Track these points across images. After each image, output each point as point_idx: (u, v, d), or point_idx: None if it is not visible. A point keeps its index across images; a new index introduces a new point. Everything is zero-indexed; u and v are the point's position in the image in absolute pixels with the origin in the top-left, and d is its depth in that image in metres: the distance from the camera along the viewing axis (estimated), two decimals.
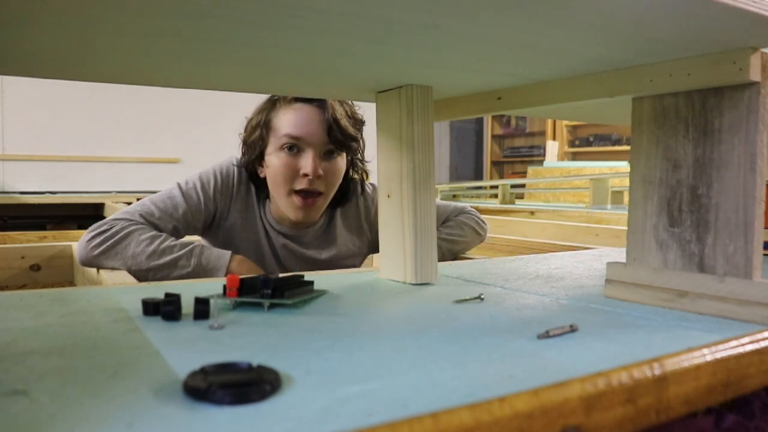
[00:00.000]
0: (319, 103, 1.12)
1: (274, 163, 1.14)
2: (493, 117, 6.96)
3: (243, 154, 1.21)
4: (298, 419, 0.33)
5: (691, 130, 0.64)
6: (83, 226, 1.15)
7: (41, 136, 4.19)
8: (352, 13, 0.49)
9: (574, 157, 6.14)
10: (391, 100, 0.81)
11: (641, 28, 0.53)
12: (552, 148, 5.49)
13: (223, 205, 1.18)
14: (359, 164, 1.25)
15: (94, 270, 1.08)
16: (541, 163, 5.17)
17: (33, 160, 4.17)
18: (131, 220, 1.08)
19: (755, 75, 0.57)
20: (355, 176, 1.27)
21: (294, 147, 1.12)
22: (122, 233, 1.05)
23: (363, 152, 1.24)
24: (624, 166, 3.60)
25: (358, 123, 1.19)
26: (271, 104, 1.16)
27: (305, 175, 1.12)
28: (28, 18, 0.49)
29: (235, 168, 1.20)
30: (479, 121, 7.22)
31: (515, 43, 0.58)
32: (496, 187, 3.59)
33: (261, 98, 1.18)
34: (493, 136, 7.11)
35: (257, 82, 0.81)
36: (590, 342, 0.50)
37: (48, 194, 3.68)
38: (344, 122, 1.13)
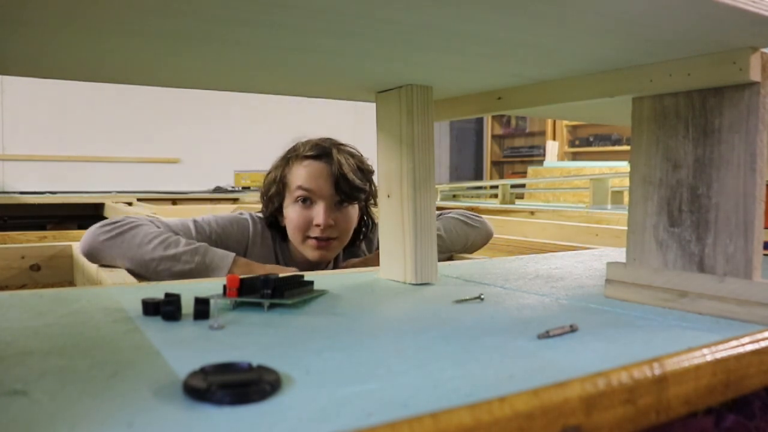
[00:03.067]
0: (327, 159, 1.21)
1: (290, 214, 1.22)
2: (493, 117, 6.96)
3: (264, 206, 1.29)
4: (298, 419, 0.33)
5: (691, 130, 0.64)
6: (83, 226, 1.15)
7: (41, 136, 4.19)
8: (352, 13, 0.49)
9: (574, 157, 6.14)
10: (391, 100, 0.81)
11: (641, 28, 0.53)
12: (552, 148, 5.49)
13: (237, 249, 1.21)
14: (370, 210, 1.32)
15: (94, 270, 1.08)
16: (541, 163, 5.17)
17: (33, 160, 4.17)
18: (142, 220, 1.12)
19: (755, 75, 0.57)
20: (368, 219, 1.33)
21: (307, 199, 1.21)
22: (133, 224, 1.09)
23: (375, 198, 1.30)
24: (624, 166, 3.60)
25: (367, 173, 1.26)
26: (285, 162, 1.25)
27: (317, 225, 1.19)
28: (28, 18, 0.49)
29: (249, 220, 1.26)
30: (479, 121, 7.22)
31: (515, 43, 0.58)
32: (496, 187, 3.59)
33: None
34: (493, 136, 7.11)
35: (257, 82, 0.81)
36: (590, 342, 0.50)
37: (48, 194, 3.67)
38: (351, 176, 1.21)
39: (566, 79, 0.73)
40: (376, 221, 1.33)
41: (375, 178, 1.14)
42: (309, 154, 1.22)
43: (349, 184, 1.20)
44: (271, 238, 1.27)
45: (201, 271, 1.07)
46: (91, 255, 1.08)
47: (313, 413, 0.34)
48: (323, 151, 1.22)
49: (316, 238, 1.20)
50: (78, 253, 1.29)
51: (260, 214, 1.29)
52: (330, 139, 1.26)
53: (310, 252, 1.21)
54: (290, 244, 1.26)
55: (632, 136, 0.70)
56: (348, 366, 0.43)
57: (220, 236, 1.20)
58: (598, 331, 0.55)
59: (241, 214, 1.27)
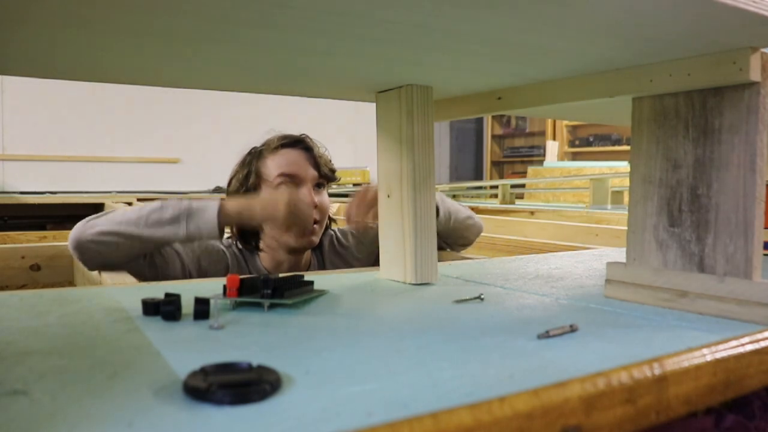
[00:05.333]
0: (303, 145, 1.25)
1: None
2: (493, 117, 6.96)
3: None
4: (298, 419, 0.33)
5: (691, 130, 0.64)
6: None
7: (41, 136, 4.19)
8: (352, 13, 0.49)
9: (574, 157, 6.14)
10: (391, 100, 0.81)
11: (641, 28, 0.53)
12: (552, 148, 5.49)
13: (219, 265, 1.21)
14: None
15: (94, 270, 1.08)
16: (541, 163, 5.17)
17: (33, 160, 4.17)
18: None
19: (755, 75, 0.57)
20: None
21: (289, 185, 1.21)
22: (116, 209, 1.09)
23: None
24: (624, 166, 3.60)
25: (329, 161, 1.30)
26: (257, 155, 1.25)
27: None
28: (28, 18, 0.49)
29: (224, 248, 1.24)
30: (479, 121, 7.21)
31: (515, 43, 0.58)
32: (496, 187, 3.59)
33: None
34: (493, 136, 7.11)
35: (257, 82, 0.81)
36: (590, 342, 0.50)
37: (48, 194, 3.67)
38: (326, 157, 1.27)
39: (566, 79, 0.73)
40: (332, 215, 1.37)
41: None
42: (283, 143, 1.24)
43: (326, 165, 1.25)
44: (236, 257, 1.26)
45: (191, 215, 1.03)
46: (78, 240, 1.01)
47: (313, 413, 0.34)
48: (296, 138, 1.25)
49: None
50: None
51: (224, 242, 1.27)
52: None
53: (295, 238, 1.21)
54: (263, 254, 1.25)
55: (632, 136, 0.70)
56: (348, 366, 0.43)
57: (206, 252, 1.20)
58: (598, 331, 0.55)
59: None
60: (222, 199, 1.08)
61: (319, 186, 1.25)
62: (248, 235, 1.25)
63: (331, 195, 1.37)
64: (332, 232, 1.36)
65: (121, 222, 1.02)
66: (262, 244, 1.25)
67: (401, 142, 0.79)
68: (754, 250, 0.59)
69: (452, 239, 1.34)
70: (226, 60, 0.64)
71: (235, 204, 1.07)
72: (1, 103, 4.06)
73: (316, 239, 1.24)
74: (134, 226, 1.01)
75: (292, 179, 1.21)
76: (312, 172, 1.22)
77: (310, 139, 1.28)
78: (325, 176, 1.25)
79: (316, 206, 1.21)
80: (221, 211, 1.03)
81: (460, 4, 0.47)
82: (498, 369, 0.43)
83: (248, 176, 1.24)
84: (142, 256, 1.07)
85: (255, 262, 1.26)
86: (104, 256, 1.02)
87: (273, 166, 1.22)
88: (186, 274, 1.14)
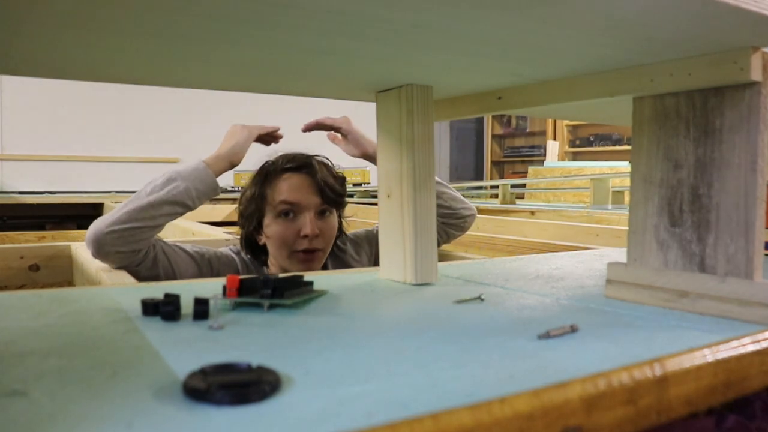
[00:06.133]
0: (308, 170, 1.22)
1: (274, 229, 1.21)
2: (493, 117, 6.96)
3: (241, 225, 1.27)
4: (297, 419, 0.33)
5: (692, 129, 0.64)
6: (82, 226, 1.15)
7: (41, 136, 4.19)
8: (352, 13, 0.49)
9: (575, 157, 6.14)
10: (391, 100, 0.81)
11: (642, 28, 0.53)
12: (552, 147, 5.49)
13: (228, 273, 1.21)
14: (342, 216, 1.32)
15: (93, 270, 1.08)
16: (541, 162, 5.17)
17: (33, 160, 4.17)
18: None
19: (756, 75, 0.57)
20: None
21: (290, 212, 1.20)
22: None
23: (344, 208, 1.32)
24: (625, 166, 3.59)
25: (341, 180, 1.27)
26: (263, 177, 1.24)
27: (305, 236, 1.18)
28: (30, 18, 0.49)
29: (234, 254, 1.25)
30: (479, 121, 7.22)
31: (515, 43, 0.58)
32: (497, 187, 3.58)
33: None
34: (494, 136, 7.11)
35: (257, 81, 0.81)
36: (591, 342, 0.50)
37: (47, 194, 3.67)
38: (332, 182, 1.23)
39: (566, 79, 0.72)
40: (345, 229, 1.35)
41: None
42: (288, 166, 1.21)
43: (332, 190, 1.21)
44: (246, 263, 1.26)
45: (180, 173, 1.08)
46: (96, 236, 1.03)
47: (313, 413, 0.34)
48: (302, 162, 1.22)
49: (303, 251, 1.19)
50: (77, 252, 1.29)
51: (233, 247, 1.29)
52: (301, 153, 1.26)
53: (297, 265, 1.20)
54: (271, 268, 1.26)
55: (633, 136, 0.70)
56: (348, 366, 0.43)
57: (216, 256, 1.20)
58: (599, 331, 0.54)
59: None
60: (205, 161, 1.13)
61: (322, 213, 1.22)
62: (257, 251, 1.26)
63: None
64: (351, 254, 1.35)
65: (126, 204, 1.06)
66: (268, 260, 1.26)
67: (401, 142, 0.79)
68: (755, 250, 0.59)
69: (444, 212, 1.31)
70: (226, 60, 0.64)
71: (211, 155, 1.14)
72: (0, 103, 4.06)
73: (316, 266, 1.23)
74: (137, 200, 1.05)
75: (293, 207, 1.19)
76: (315, 200, 1.20)
77: (318, 162, 1.24)
78: (330, 202, 1.22)
79: (317, 234, 1.19)
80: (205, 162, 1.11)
81: (461, 4, 0.47)
82: (498, 369, 0.43)
83: (252, 198, 1.23)
84: (158, 261, 1.09)
85: (263, 273, 1.26)
86: (125, 242, 1.03)
87: (276, 190, 1.20)
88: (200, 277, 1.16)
